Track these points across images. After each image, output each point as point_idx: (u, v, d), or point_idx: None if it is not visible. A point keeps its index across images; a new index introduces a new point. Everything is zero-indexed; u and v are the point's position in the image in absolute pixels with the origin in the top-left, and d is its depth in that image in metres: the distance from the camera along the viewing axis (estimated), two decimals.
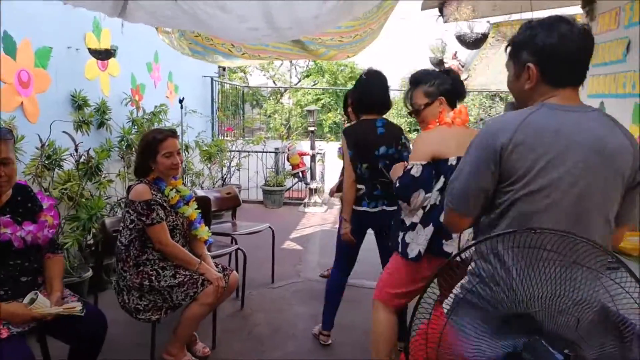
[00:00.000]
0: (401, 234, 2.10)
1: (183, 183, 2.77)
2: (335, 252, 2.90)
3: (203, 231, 2.75)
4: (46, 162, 3.26)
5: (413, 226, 2.05)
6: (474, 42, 3.34)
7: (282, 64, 17.60)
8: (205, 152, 5.72)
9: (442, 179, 2.01)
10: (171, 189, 2.59)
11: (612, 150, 1.25)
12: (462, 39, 3.35)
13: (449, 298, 1.22)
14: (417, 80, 2.18)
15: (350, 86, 13.61)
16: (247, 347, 2.91)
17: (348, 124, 3.26)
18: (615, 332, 1.02)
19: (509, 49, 1.41)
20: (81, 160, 3.30)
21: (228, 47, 3.48)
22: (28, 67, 3.47)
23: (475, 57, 5.23)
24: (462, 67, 4.05)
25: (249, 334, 3.09)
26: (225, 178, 6.71)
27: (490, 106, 12.05)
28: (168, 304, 2.45)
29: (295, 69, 18.90)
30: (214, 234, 3.63)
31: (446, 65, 4.00)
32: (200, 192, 3.88)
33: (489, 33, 3.26)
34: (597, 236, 1.23)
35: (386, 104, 2.77)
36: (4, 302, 1.93)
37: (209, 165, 6.13)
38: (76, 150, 3.27)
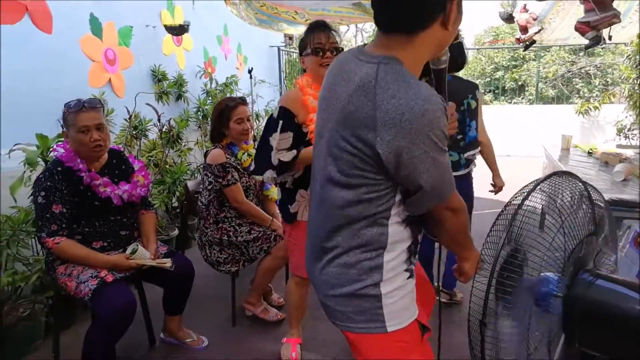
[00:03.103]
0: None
1: (254, 148, 2.96)
2: None
3: (274, 191, 2.94)
4: (133, 132, 3.59)
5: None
6: None
7: (348, 30, 17.41)
8: None
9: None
10: (243, 153, 2.78)
11: (350, 109, 1.03)
12: None
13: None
14: (329, 26, 2.14)
15: None
16: (317, 298, 3.10)
17: None
18: None
19: None
20: (163, 129, 3.59)
21: (292, 14, 3.58)
22: (113, 46, 3.79)
23: (551, 10, 4.91)
24: (535, 19, 3.84)
25: None
26: None
27: (572, 62, 11.21)
28: (245, 257, 2.68)
29: (362, 34, 18.62)
30: None
31: (516, 19, 3.84)
32: None
33: None
34: (328, 195, 1.11)
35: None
36: (106, 252, 2.23)
37: None
38: (159, 120, 3.56)
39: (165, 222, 3.81)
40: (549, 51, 11.19)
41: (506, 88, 12.25)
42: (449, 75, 2.64)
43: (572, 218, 0.97)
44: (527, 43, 3.83)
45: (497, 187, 2.78)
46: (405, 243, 1.12)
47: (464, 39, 2.64)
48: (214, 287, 3.20)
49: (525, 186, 1.03)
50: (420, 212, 1.07)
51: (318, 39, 2.04)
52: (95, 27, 3.60)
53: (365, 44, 1.11)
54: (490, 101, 11.85)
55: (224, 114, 2.69)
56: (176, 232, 3.72)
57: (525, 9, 3.85)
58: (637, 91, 6.68)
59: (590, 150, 3.11)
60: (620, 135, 6.38)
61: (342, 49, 2.12)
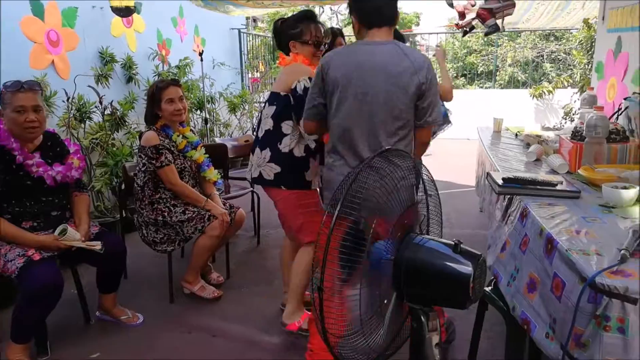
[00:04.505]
0: None
1: (192, 130, 3.01)
2: None
3: (212, 173, 3.00)
4: (77, 114, 3.59)
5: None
6: None
7: (323, 12, 17.29)
8: (230, 103, 5.96)
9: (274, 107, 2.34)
10: (178, 135, 2.84)
11: (395, 72, 1.78)
12: None
13: None
14: None
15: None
16: (259, 276, 3.22)
17: None
18: None
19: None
20: (106, 112, 3.60)
21: None
22: (56, 27, 3.76)
23: None
24: (473, 6, 3.94)
25: (262, 266, 3.39)
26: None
27: (543, 47, 11.35)
28: (180, 237, 2.76)
29: (337, 17, 18.57)
30: (232, 178, 3.94)
31: (454, 5, 3.94)
32: (218, 140, 4.13)
33: None
34: (383, 129, 1.82)
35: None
36: (36, 232, 2.28)
37: (237, 116, 6.38)
38: (100, 102, 3.57)
39: (112, 205, 3.85)
40: (520, 36, 11.34)
41: (479, 72, 12.39)
42: None
43: (396, 191, 1.07)
44: (466, 29, 3.93)
45: None
46: None
47: None
48: (154, 266, 3.27)
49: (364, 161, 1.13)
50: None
51: (317, 33, 2.36)
52: (37, 8, 3.56)
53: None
54: (463, 85, 11.99)
55: (155, 95, 2.73)
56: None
57: None
58: (588, 76, 6.90)
59: (518, 133, 3.26)
60: (566, 118, 6.62)
61: None
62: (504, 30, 3.35)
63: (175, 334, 2.55)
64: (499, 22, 3.12)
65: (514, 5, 3.04)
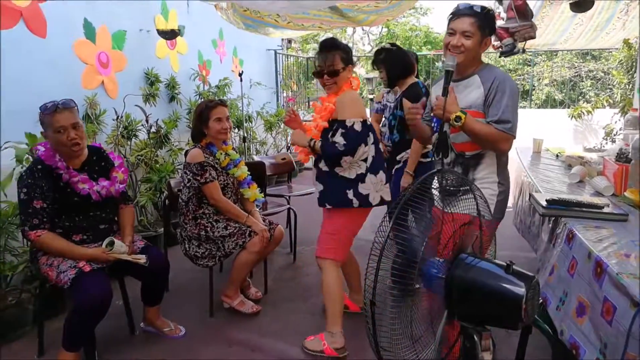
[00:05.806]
0: (349, 190, 2.38)
1: (233, 148, 3.11)
2: None
3: (252, 190, 3.08)
4: (124, 132, 3.75)
5: (362, 177, 2.37)
6: None
7: (354, 32, 17.60)
8: (266, 121, 6.09)
9: (371, 135, 2.39)
10: (222, 153, 2.93)
11: None
12: None
13: None
14: (335, 45, 2.42)
15: (425, 51, 13.44)
16: (295, 293, 3.25)
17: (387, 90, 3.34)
18: None
19: (473, 20, 1.90)
20: (152, 130, 3.75)
21: (274, 17, 3.72)
22: (106, 50, 3.96)
23: (536, 16, 5.02)
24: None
25: (298, 283, 3.42)
26: (290, 146, 7.07)
27: (580, 66, 11.15)
28: (221, 252, 2.83)
29: (368, 36, 18.82)
30: (270, 195, 4.01)
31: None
32: (256, 158, 4.23)
33: None
34: None
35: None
36: (86, 245, 2.38)
37: (272, 134, 6.51)
38: (147, 121, 3.72)
39: (154, 219, 3.97)
40: (558, 55, 11.17)
41: None
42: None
43: (449, 208, 1.09)
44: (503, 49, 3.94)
45: None
46: None
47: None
48: (195, 280, 3.36)
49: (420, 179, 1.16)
50: None
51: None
52: (89, 31, 3.77)
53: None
54: None
55: (203, 114, 2.84)
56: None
57: (500, 17, 3.95)
58: (629, 96, 6.75)
59: (559, 154, 3.22)
60: (607, 139, 6.47)
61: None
62: (523, 52, 3.38)
63: (215, 347, 2.60)
64: (520, 44, 3.13)
65: (532, 26, 3.05)
